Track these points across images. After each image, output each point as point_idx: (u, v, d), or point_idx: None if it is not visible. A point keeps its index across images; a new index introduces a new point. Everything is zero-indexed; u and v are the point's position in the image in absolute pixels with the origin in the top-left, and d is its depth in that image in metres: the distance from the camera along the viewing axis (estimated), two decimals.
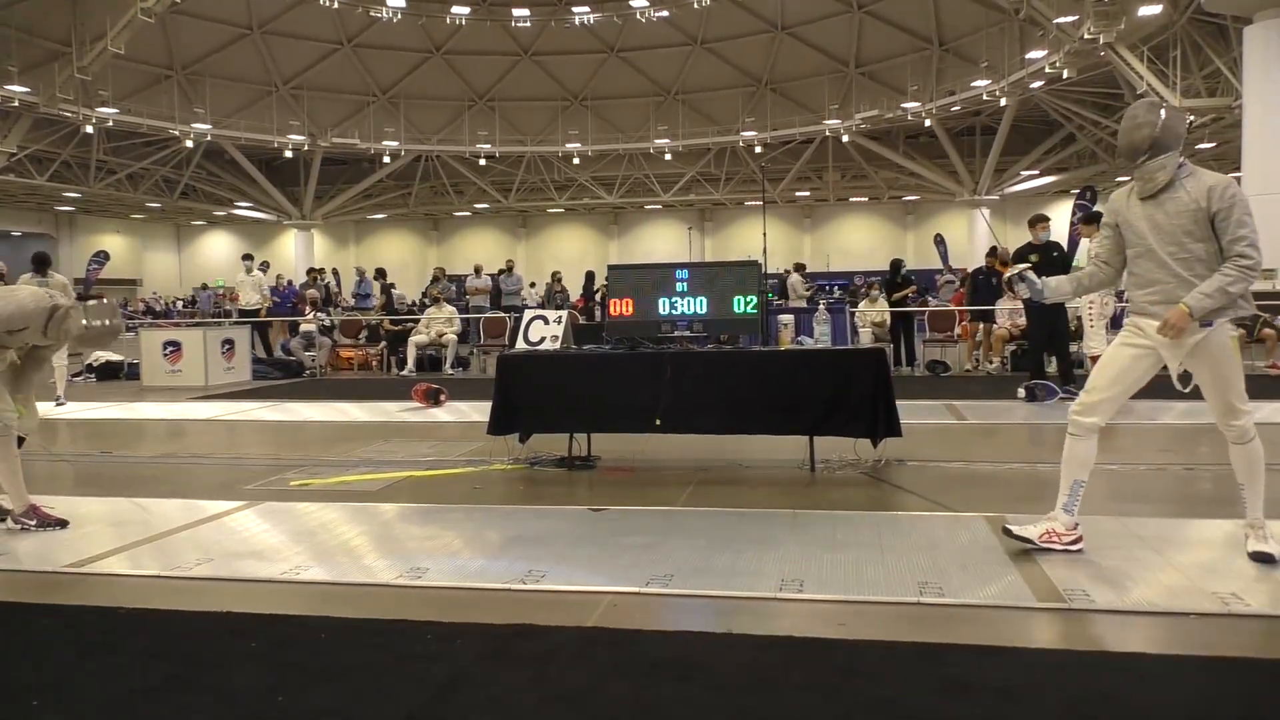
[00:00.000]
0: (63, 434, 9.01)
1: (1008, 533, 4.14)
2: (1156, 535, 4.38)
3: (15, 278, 10.14)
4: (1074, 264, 11.07)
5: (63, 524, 4.86)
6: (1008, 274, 4.48)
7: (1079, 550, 4.05)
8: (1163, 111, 3.89)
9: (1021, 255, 10.09)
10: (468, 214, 46.36)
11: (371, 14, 34.42)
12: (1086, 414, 4.09)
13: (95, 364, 14.80)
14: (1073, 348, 10.83)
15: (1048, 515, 4.15)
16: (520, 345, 6.91)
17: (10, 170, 31.38)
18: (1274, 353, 12.52)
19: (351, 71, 38.26)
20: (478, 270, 19.43)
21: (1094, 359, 9.25)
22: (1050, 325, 9.88)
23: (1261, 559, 3.89)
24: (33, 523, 4.83)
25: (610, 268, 7.36)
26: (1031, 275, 4.38)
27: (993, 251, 15.58)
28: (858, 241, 43.25)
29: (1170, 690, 2.78)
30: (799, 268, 20.25)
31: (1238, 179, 21.69)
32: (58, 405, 10.64)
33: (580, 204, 44.20)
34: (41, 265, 10.48)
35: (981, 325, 13.61)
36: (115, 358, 14.95)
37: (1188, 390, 4.08)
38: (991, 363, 13.35)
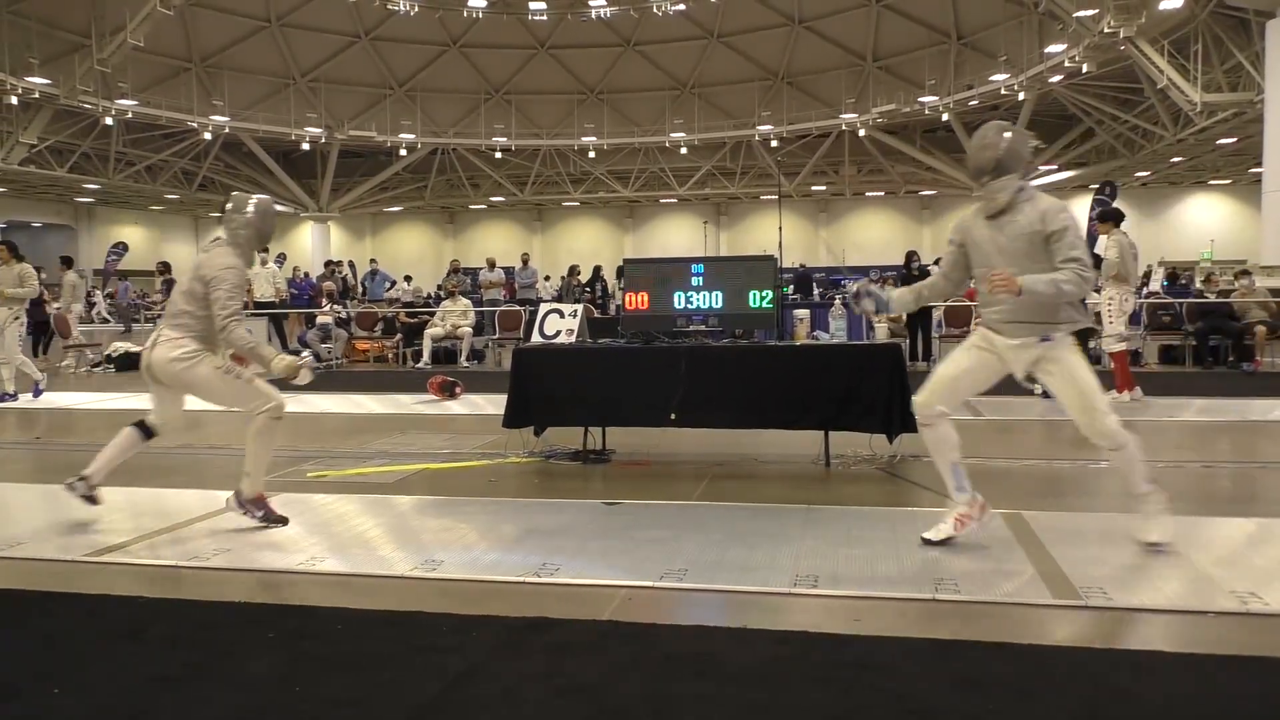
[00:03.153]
0: (82, 424, 9.09)
1: (927, 542, 4.22)
2: (1174, 533, 4.35)
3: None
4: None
5: (284, 521, 4.70)
6: (851, 290, 4.54)
7: (990, 515, 4.23)
8: (1008, 134, 4.07)
9: None
10: (483, 207, 46.39)
11: (389, 7, 34.42)
12: (928, 404, 4.27)
13: (114, 355, 14.91)
14: (1091, 343, 10.77)
15: (949, 507, 4.30)
16: (536, 339, 6.92)
17: (31, 162, 31.57)
18: (1263, 350, 12.45)
19: (369, 64, 38.31)
20: (491, 264, 19.43)
21: (1113, 355, 9.21)
22: None
23: (1154, 548, 3.99)
24: (259, 513, 4.67)
25: (626, 262, 7.36)
26: (874, 289, 4.47)
27: None
28: (873, 236, 43.02)
29: (1187, 689, 2.77)
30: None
31: (1258, 174, 21.50)
32: (35, 396, 10.50)
33: (596, 197, 44.16)
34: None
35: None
36: (135, 349, 15.04)
37: (1037, 391, 4.44)
38: None
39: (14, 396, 10.29)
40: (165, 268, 18.96)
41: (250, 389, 4.68)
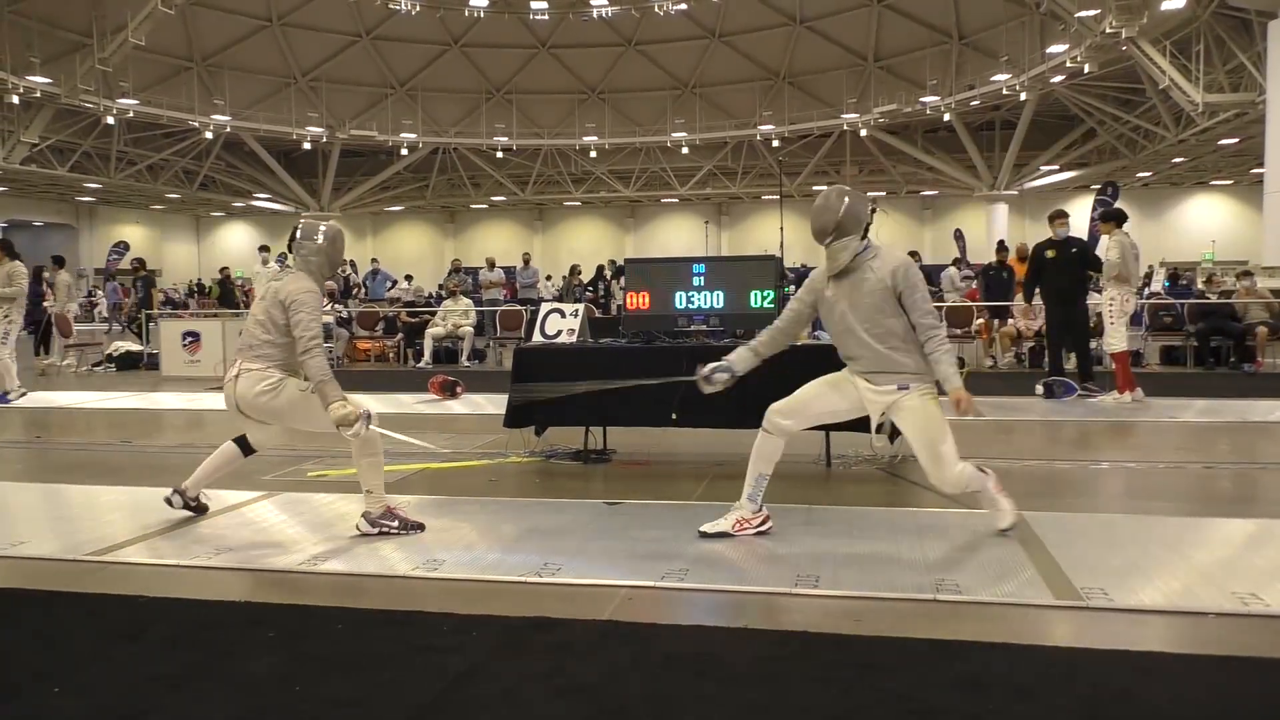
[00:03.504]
0: (83, 423, 9.09)
1: (703, 534, 4.35)
2: (1174, 534, 4.35)
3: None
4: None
5: (420, 527, 4.55)
6: (700, 374, 4.54)
7: (768, 529, 4.40)
8: (847, 199, 4.23)
9: (1039, 251, 10.04)
10: (484, 206, 46.40)
11: (390, 6, 34.45)
12: (785, 416, 4.39)
13: (115, 354, 14.92)
14: (1092, 344, 10.77)
15: (735, 505, 4.43)
16: (537, 338, 6.91)
17: (32, 161, 31.60)
18: (1264, 351, 12.44)
19: (370, 64, 38.34)
20: (490, 264, 19.42)
21: (1114, 356, 9.19)
22: (1066, 321, 9.82)
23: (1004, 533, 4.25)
24: (393, 524, 4.49)
25: (627, 261, 7.37)
26: (717, 364, 4.52)
27: (1001, 246, 15.49)
28: (876, 236, 43.02)
29: (1188, 690, 2.77)
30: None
31: (1259, 175, 21.49)
32: (20, 396, 10.40)
33: (597, 197, 44.18)
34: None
35: (996, 321, 13.57)
36: (135, 348, 15.06)
37: (888, 439, 4.81)
38: (991, 360, 13.34)
39: (5, 399, 10.24)
40: (140, 264, 18.55)
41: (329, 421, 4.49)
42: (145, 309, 17.03)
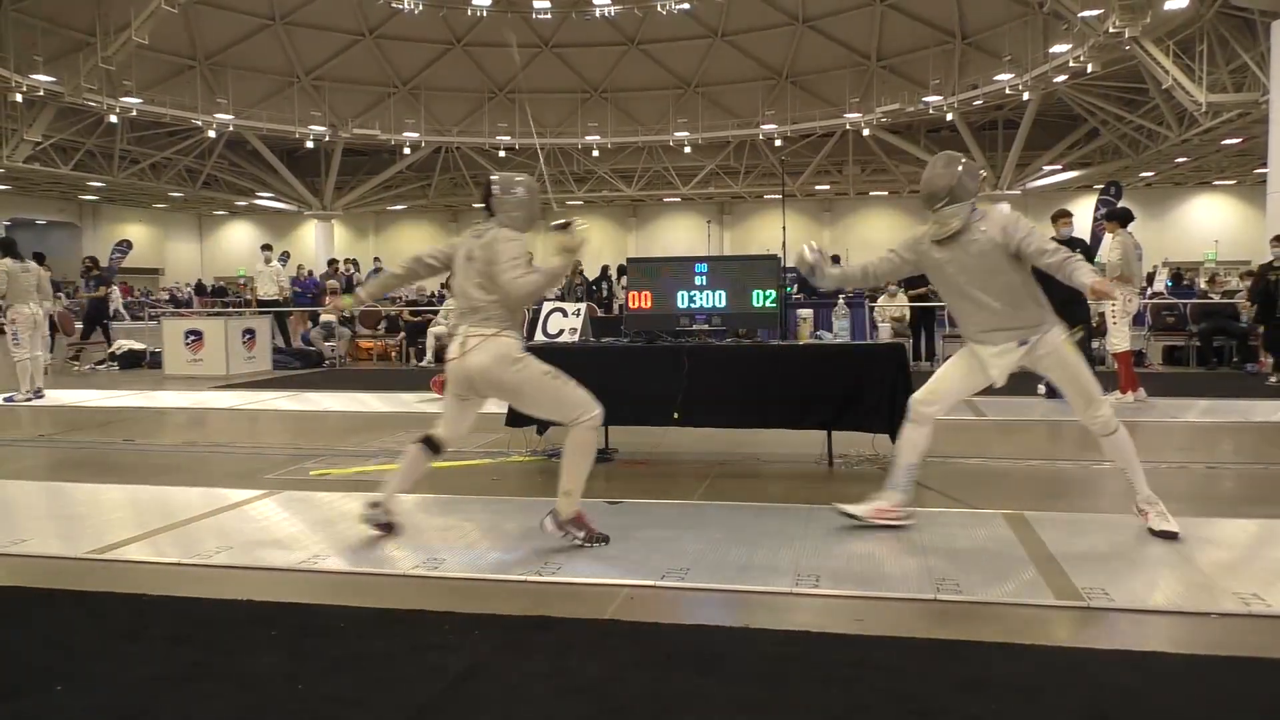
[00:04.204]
0: (86, 421, 9.11)
1: (840, 511, 4.47)
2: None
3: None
4: (1097, 260, 10.97)
5: (605, 539, 4.26)
6: (804, 256, 4.64)
7: (907, 524, 4.44)
8: (960, 166, 4.33)
9: None
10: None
11: (393, 5, 34.47)
12: (926, 401, 4.50)
13: (118, 352, 14.94)
14: (1095, 344, 10.76)
15: (877, 494, 4.51)
16: (539, 337, 6.92)
17: (35, 159, 31.62)
18: (1265, 352, 12.42)
19: (373, 63, 38.35)
20: None
21: (1117, 356, 9.18)
22: (1069, 321, 9.79)
23: (1166, 536, 4.15)
24: (579, 534, 4.24)
25: (629, 260, 7.36)
26: (816, 256, 4.61)
27: None
28: (877, 236, 42.89)
29: (1190, 690, 2.77)
30: None
31: (1263, 175, 21.43)
32: (37, 396, 10.40)
33: (599, 196, 44.15)
34: (11, 249, 10.36)
35: None
36: (138, 346, 15.08)
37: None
38: None
39: (11, 399, 10.26)
40: (93, 263, 18.08)
41: (573, 395, 4.22)
42: (100, 314, 16.51)
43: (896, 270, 4.67)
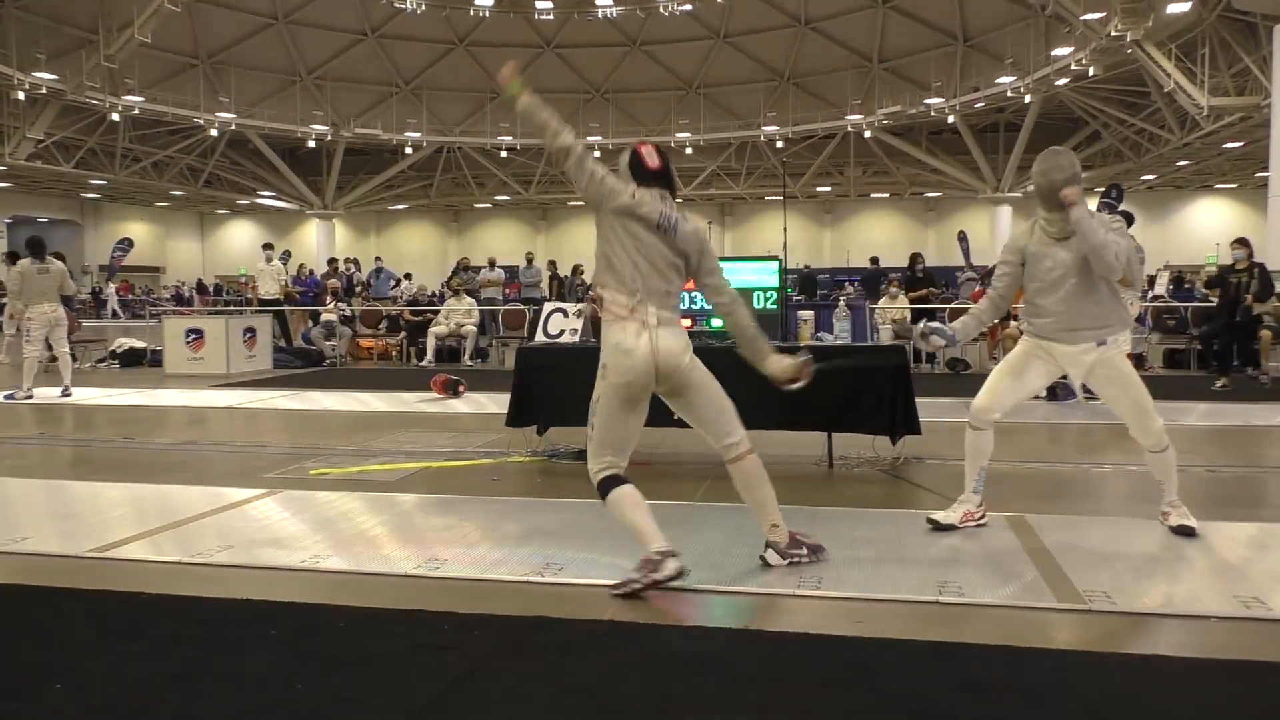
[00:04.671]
0: (86, 419, 9.11)
1: (934, 524, 4.48)
2: (1177, 538, 4.34)
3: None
4: None
5: (822, 549, 4.01)
6: (917, 330, 4.70)
7: (985, 523, 4.53)
8: (1077, 161, 4.35)
9: None
10: (488, 206, 46.44)
11: (395, 5, 34.50)
12: (987, 409, 4.50)
13: (119, 350, 14.94)
14: None
15: (960, 499, 4.55)
16: (540, 337, 6.91)
17: (37, 157, 31.67)
18: (1269, 355, 12.40)
19: (375, 62, 38.39)
20: (491, 263, 19.45)
21: None
22: None
23: (1184, 532, 4.28)
24: (802, 553, 3.91)
25: None
26: (937, 325, 4.68)
27: None
28: (879, 238, 42.97)
29: (1191, 693, 2.76)
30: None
31: (1264, 178, 21.42)
32: (64, 395, 10.48)
33: None
34: (38, 250, 10.52)
35: (999, 324, 13.55)
36: (139, 345, 15.08)
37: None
38: (995, 361, 13.32)
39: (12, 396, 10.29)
40: (13, 259, 17.73)
41: (732, 409, 3.94)
42: None
43: (1015, 280, 4.51)
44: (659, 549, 3.58)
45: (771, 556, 3.91)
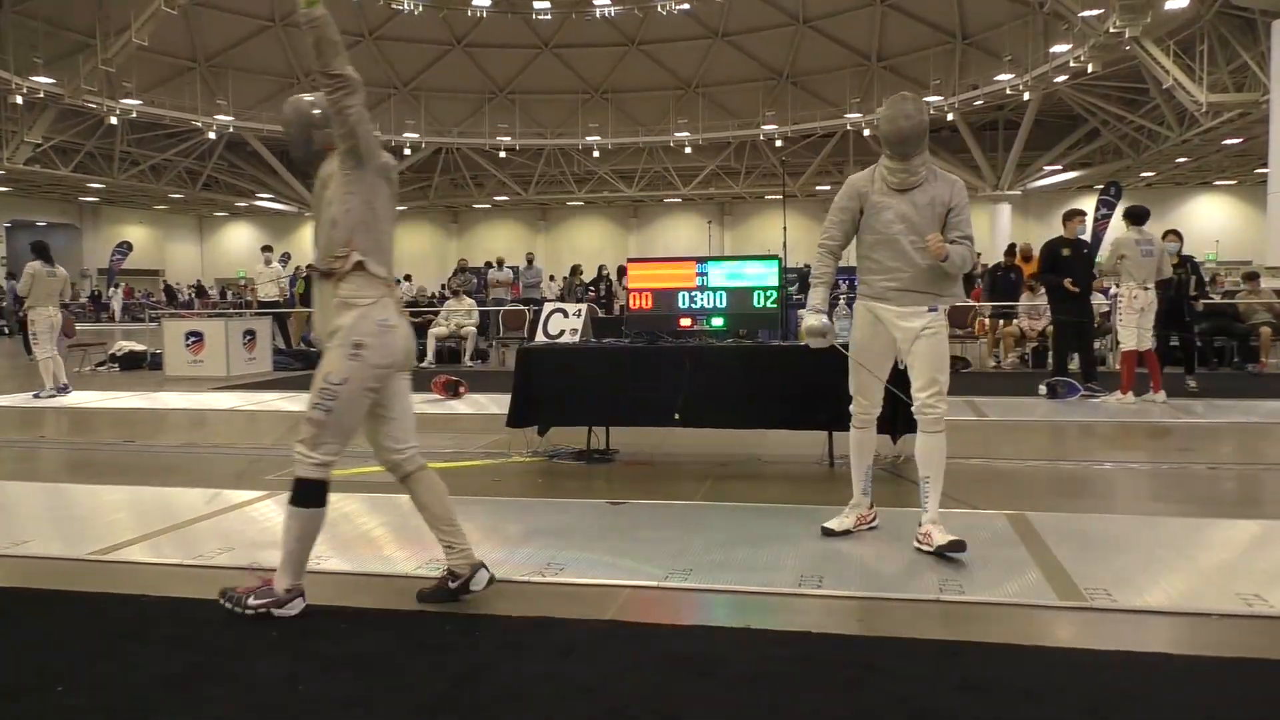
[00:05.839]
0: (87, 422, 9.10)
1: (827, 532, 4.33)
2: (1178, 535, 4.34)
3: (18, 266, 10.33)
4: (1096, 260, 10.94)
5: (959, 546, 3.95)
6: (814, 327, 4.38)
7: (877, 525, 4.46)
8: (925, 110, 4.16)
9: (1054, 249, 9.88)
10: (487, 206, 46.44)
11: (393, 6, 34.50)
12: (860, 406, 4.38)
13: (119, 354, 14.94)
14: (1097, 344, 10.73)
15: (851, 504, 4.44)
16: (540, 338, 6.91)
17: (35, 161, 31.67)
18: (1268, 352, 12.39)
19: (373, 63, 38.34)
20: (499, 263, 19.46)
21: (1124, 353, 9.10)
22: (1079, 324, 9.76)
23: (955, 548, 3.92)
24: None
25: (629, 261, 7.36)
26: (814, 324, 4.37)
27: (1011, 250, 15.46)
28: None
29: (1192, 691, 2.76)
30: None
31: (1263, 174, 21.40)
32: (62, 392, 10.71)
33: (600, 197, 44.19)
34: (45, 254, 10.82)
35: (1000, 322, 13.57)
36: (139, 348, 15.08)
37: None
38: (995, 360, 13.33)
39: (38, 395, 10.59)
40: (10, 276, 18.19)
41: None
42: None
43: (853, 228, 4.34)
44: (290, 587, 3.35)
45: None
